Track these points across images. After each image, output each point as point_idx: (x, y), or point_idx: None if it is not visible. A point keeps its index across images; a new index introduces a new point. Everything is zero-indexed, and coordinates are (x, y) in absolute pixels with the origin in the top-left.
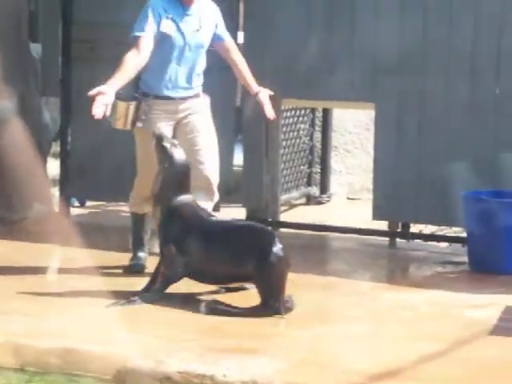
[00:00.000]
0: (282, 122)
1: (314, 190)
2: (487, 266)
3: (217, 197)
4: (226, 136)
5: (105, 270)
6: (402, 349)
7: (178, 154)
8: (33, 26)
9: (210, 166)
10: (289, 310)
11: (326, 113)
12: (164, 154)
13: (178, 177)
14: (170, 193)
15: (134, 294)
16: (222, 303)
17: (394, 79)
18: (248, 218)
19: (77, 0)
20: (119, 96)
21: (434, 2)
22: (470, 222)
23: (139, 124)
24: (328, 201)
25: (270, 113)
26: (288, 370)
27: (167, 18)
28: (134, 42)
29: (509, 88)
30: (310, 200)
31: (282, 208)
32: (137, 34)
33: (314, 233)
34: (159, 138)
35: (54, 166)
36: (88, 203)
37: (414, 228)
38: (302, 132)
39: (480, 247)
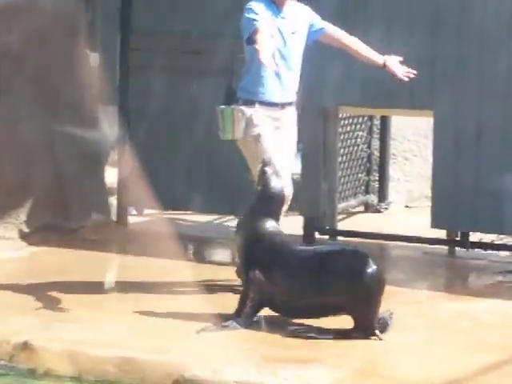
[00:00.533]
0: (340, 129)
1: (372, 198)
2: None
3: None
4: None
5: (163, 279)
6: (461, 359)
7: (276, 182)
8: (91, 36)
9: (287, 179)
10: (384, 328)
11: (385, 120)
12: (262, 177)
13: (269, 203)
14: (259, 217)
15: (226, 318)
16: (312, 326)
17: (452, 86)
18: (305, 226)
19: (135, 9)
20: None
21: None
22: None
23: (254, 131)
24: (386, 209)
25: (403, 76)
26: (346, 379)
27: (268, 17)
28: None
29: None
30: (368, 208)
31: (340, 216)
32: (253, 27)
33: (372, 241)
34: (264, 163)
35: (111, 175)
36: (145, 211)
37: (474, 236)
38: (359, 140)
39: None
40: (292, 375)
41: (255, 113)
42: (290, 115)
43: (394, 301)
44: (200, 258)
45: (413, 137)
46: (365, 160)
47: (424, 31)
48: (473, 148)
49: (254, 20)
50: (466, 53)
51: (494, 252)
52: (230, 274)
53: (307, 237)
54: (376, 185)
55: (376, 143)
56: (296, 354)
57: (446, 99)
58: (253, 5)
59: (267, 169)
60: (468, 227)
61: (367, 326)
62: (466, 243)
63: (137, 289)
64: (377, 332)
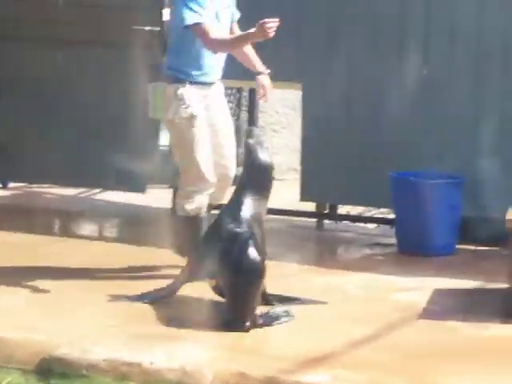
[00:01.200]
0: None
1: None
2: (415, 247)
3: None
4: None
5: (28, 253)
6: (332, 333)
7: (264, 154)
8: None
9: (231, 155)
10: (268, 323)
11: (253, 92)
12: (247, 151)
13: (259, 176)
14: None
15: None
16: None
17: (320, 59)
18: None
19: None
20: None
21: None
22: (398, 204)
23: (186, 112)
24: None
25: (263, 97)
26: (218, 357)
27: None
28: (198, 30)
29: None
30: (236, 179)
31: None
32: (194, 22)
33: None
34: (248, 134)
35: None
36: (10, 185)
37: (342, 209)
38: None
39: (408, 229)
40: (163, 352)
41: (186, 93)
42: (218, 90)
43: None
44: (67, 232)
45: (281, 109)
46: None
47: (292, 4)
48: (341, 121)
49: (198, 14)
50: (333, 26)
51: (362, 224)
52: (96, 250)
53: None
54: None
55: (244, 115)
56: (168, 331)
57: (313, 72)
58: None
59: (251, 141)
60: (336, 200)
61: (237, 317)
62: (334, 216)
63: (2, 265)
64: (247, 326)
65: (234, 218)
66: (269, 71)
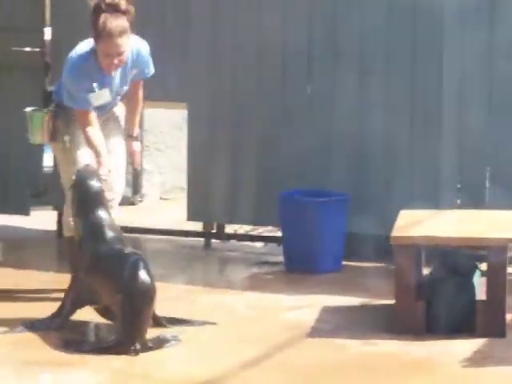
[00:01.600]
0: None
1: (127, 191)
2: (302, 265)
3: None
4: None
5: None
6: (222, 355)
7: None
8: None
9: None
10: (158, 346)
11: None
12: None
13: (86, 199)
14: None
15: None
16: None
17: (205, 78)
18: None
19: None
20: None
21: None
22: (285, 222)
23: (65, 137)
24: (141, 201)
25: (137, 163)
26: (106, 381)
27: (94, 87)
28: (81, 115)
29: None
30: (122, 201)
31: None
32: (80, 108)
33: (128, 235)
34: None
35: None
36: None
37: (229, 228)
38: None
39: (295, 247)
40: (50, 378)
41: (66, 116)
42: (114, 112)
43: None
44: None
45: (166, 128)
46: None
47: (178, 21)
48: (227, 140)
49: (85, 101)
50: (218, 46)
51: (250, 243)
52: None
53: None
54: (129, 177)
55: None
56: (56, 357)
57: (199, 91)
58: (77, 73)
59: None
60: (223, 219)
61: (127, 340)
62: (221, 235)
63: None
64: (137, 349)
65: (110, 239)
66: (138, 136)
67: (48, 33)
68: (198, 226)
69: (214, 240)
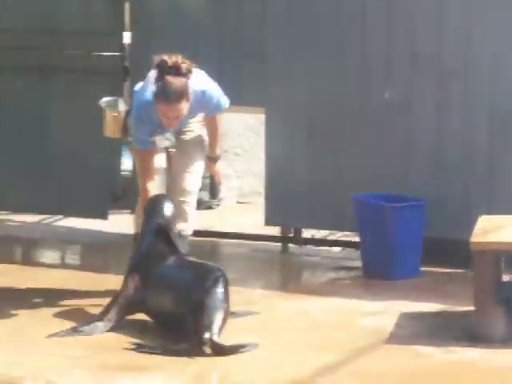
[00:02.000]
0: None
1: (204, 195)
2: (380, 270)
3: None
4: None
5: None
6: (299, 361)
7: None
8: None
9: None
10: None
11: None
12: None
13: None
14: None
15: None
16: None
17: (283, 83)
18: None
19: None
20: (109, 105)
21: None
22: (362, 227)
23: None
24: (218, 205)
25: (219, 181)
26: None
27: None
28: (137, 152)
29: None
30: (200, 205)
31: None
32: (137, 146)
33: (204, 239)
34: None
35: None
36: None
37: (307, 233)
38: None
39: (372, 252)
40: (129, 383)
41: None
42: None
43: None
44: (28, 260)
45: (243, 132)
46: None
47: (253, 28)
48: (305, 144)
49: (141, 142)
50: (296, 49)
51: (327, 248)
52: (58, 277)
53: None
54: (207, 181)
55: (206, 139)
56: (133, 361)
57: (277, 96)
58: (138, 116)
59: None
60: (301, 223)
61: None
62: (299, 240)
63: None
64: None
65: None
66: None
67: (127, 37)
68: (275, 231)
69: (291, 245)
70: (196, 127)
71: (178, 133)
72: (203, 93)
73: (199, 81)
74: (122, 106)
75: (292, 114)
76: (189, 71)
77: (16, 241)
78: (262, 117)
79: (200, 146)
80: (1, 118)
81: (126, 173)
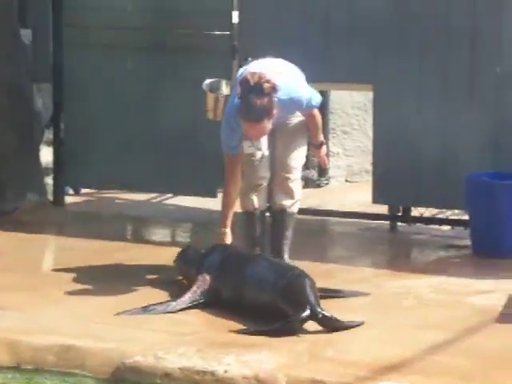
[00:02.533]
0: None
1: (313, 173)
2: (490, 249)
3: None
4: None
5: (100, 261)
6: (407, 339)
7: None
8: (23, 12)
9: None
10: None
11: (323, 95)
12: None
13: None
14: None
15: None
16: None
17: (392, 59)
18: None
19: None
20: (212, 87)
21: None
22: (472, 205)
23: None
24: (327, 184)
25: (325, 165)
26: (291, 364)
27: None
28: (226, 157)
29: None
30: (308, 183)
31: None
32: (224, 151)
33: (313, 217)
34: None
35: (47, 154)
36: (83, 191)
37: (415, 211)
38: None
39: (482, 230)
40: (236, 360)
41: None
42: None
43: (337, 280)
44: (139, 238)
45: (351, 110)
46: None
47: (361, 3)
48: (413, 122)
49: (229, 147)
50: (406, 25)
51: (436, 226)
52: (168, 255)
53: None
54: (316, 159)
55: None
56: (241, 339)
57: (385, 72)
58: (227, 122)
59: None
60: (410, 202)
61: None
62: (407, 218)
63: (75, 272)
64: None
65: None
66: (322, 142)
67: (235, 16)
68: (383, 209)
69: (399, 223)
70: (297, 114)
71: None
72: (291, 99)
73: (285, 88)
74: (225, 89)
75: (400, 90)
76: (273, 89)
77: (127, 219)
78: (370, 94)
79: (302, 128)
80: (112, 98)
81: None
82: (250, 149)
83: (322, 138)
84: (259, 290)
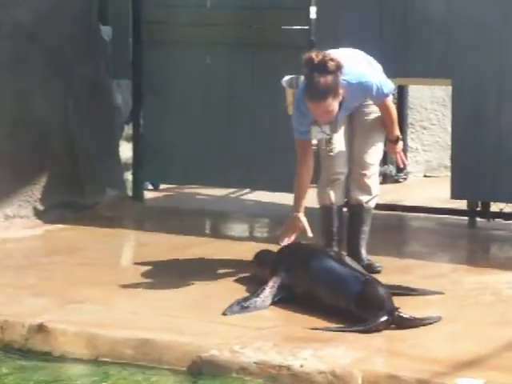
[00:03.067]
0: None
1: (391, 169)
2: None
3: None
4: None
5: (178, 255)
6: (484, 335)
7: None
8: (103, 9)
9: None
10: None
11: (401, 89)
12: None
13: None
14: None
15: (245, 298)
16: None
17: (471, 54)
18: None
19: None
20: (291, 83)
21: None
22: None
23: None
24: (405, 179)
25: (401, 162)
26: (366, 359)
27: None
28: (296, 143)
29: None
30: (386, 178)
31: None
32: (295, 137)
33: (391, 212)
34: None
35: (126, 150)
36: (162, 186)
37: (495, 206)
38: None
39: None
40: (312, 355)
41: None
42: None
43: (415, 275)
44: (217, 233)
45: (430, 105)
46: None
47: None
48: (493, 116)
49: (299, 133)
50: (485, 20)
51: None
52: (247, 250)
53: None
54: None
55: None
56: (317, 334)
57: (464, 67)
58: (297, 108)
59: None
60: (489, 197)
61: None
62: (486, 214)
63: (153, 267)
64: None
65: None
66: (398, 138)
67: (313, 11)
68: (462, 204)
69: (478, 219)
70: (375, 109)
71: (355, 113)
72: (360, 84)
73: (354, 72)
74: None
75: (479, 85)
76: (337, 68)
77: (205, 214)
78: (449, 89)
79: (379, 124)
80: (190, 94)
81: (313, 147)
82: (319, 134)
83: (397, 132)
84: (333, 297)
